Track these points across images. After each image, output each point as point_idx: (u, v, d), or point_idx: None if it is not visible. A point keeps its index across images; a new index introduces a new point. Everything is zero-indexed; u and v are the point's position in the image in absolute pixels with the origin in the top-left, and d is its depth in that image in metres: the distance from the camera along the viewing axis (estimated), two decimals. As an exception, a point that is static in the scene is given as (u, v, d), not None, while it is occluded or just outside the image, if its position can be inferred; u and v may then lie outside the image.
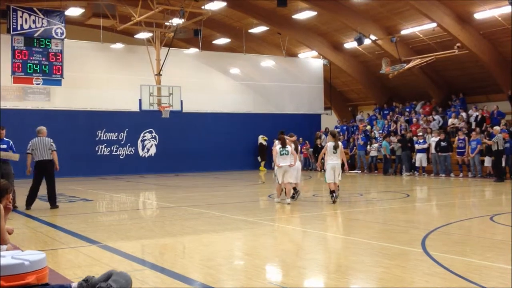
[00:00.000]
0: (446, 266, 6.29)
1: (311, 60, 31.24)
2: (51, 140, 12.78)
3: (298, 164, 13.85)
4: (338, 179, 13.17)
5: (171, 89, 24.11)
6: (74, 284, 3.28)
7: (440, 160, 22.32)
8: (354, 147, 26.96)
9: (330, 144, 13.29)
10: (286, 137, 13.43)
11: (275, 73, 29.90)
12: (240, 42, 28.94)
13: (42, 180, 12.72)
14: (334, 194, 13.09)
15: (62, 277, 5.79)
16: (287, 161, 13.11)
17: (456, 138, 22.30)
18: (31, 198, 12.69)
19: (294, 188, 13.79)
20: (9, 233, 5.63)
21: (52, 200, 12.74)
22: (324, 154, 13.48)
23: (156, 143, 26.90)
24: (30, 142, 12.73)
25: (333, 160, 13.14)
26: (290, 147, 13.22)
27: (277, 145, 13.41)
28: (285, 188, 13.51)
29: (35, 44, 22.77)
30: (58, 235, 9.02)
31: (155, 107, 23.93)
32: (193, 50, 28.77)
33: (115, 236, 9.01)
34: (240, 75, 29.60)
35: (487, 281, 5.62)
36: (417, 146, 23.17)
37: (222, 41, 30.97)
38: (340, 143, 13.70)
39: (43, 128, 12.87)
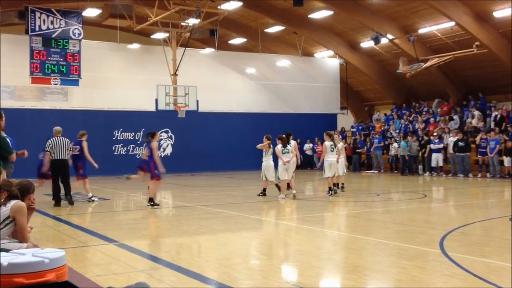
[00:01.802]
0: (465, 267, 6.22)
1: (327, 60, 31.14)
2: (68, 141, 13.21)
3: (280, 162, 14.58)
4: (342, 174, 14.46)
5: (187, 89, 24.17)
6: None
7: (458, 160, 22.11)
8: (371, 147, 26.80)
9: (327, 143, 14.73)
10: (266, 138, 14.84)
11: (291, 73, 29.85)
12: (256, 42, 28.95)
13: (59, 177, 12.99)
14: (331, 189, 14.66)
15: (80, 276, 5.83)
16: (288, 158, 14.11)
17: (479, 137, 22.02)
18: (58, 195, 13.02)
19: (276, 185, 14.76)
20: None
21: (69, 197, 13.07)
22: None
23: (172, 142, 27.01)
24: (48, 141, 13.05)
25: (330, 158, 14.66)
26: (290, 146, 14.27)
27: (278, 145, 14.38)
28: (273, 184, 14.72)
29: (53, 44, 22.98)
30: (76, 234, 9.09)
31: (171, 107, 24.01)
32: (209, 50, 28.83)
33: (132, 235, 9.06)
34: (256, 75, 29.60)
35: (507, 283, 5.55)
36: (432, 146, 22.98)
37: (238, 41, 31.00)
38: (337, 142, 15.30)
39: (60, 128, 13.28)
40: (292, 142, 14.64)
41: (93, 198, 14.16)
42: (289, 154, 14.13)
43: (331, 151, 14.71)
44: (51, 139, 13.03)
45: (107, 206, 13.85)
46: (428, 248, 7.50)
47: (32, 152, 13.53)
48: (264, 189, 14.92)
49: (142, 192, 15.88)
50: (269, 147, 14.73)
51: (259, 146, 14.65)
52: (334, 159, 14.75)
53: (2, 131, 8.38)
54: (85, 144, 14.17)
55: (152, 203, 12.85)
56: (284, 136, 14.51)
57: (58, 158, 12.87)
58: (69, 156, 13.44)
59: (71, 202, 13.03)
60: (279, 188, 14.51)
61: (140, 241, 8.37)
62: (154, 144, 12.99)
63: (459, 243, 8.07)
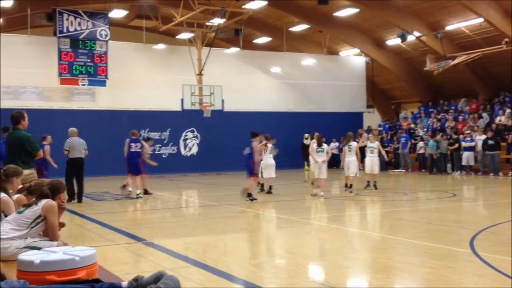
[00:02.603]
0: (495, 267, 6.11)
1: (353, 58, 30.93)
2: (84, 141, 13.94)
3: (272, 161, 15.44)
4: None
5: (212, 89, 24.28)
6: (124, 283, 3.32)
7: (488, 158, 21.72)
8: (398, 145, 26.53)
9: (313, 146, 14.94)
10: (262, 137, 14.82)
11: (316, 72, 29.73)
12: (281, 41, 28.90)
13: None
14: (347, 185, 15.45)
15: (109, 273, 5.89)
16: (321, 158, 14.34)
17: (511, 136, 21.59)
18: (72, 191, 13.61)
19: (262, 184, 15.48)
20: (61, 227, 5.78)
21: (81, 196, 13.70)
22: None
23: (198, 142, 27.14)
24: (67, 141, 13.81)
25: (347, 157, 15.43)
26: (326, 146, 14.78)
27: (313, 144, 14.78)
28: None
29: (80, 46, 23.31)
30: (104, 232, 9.19)
31: (197, 107, 24.14)
32: (234, 50, 28.88)
33: (160, 234, 9.13)
34: (281, 74, 29.55)
35: (540, 283, 5.44)
36: (463, 144, 22.59)
37: (262, 40, 30.99)
38: (373, 141, 16.60)
39: (75, 129, 14.16)
40: (325, 145, 15.05)
41: (140, 195, 14.68)
42: (323, 154, 14.37)
43: (348, 151, 15.47)
44: (69, 139, 13.79)
45: (135, 205, 13.98)
46: (458, 248, 7.39)
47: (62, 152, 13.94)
48: (261, 185, 15.73)
49: (168, 191, 15.99)
50: (266, 146, 15.20)
51: (258, 147, 14.50)
52: (351, 159, 15.35)
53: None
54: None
55: (250, 197, 13.37)
56: (319, 135, 14.94)
57: (74, 157, 13.57)
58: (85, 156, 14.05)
59: (81, 200, 13.65)
60: (269, 187, 15.18)
61: (167, 240, 8.42)
62: (256, 144, 13.66)
63: (489, 242, 7.93)
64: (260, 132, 14.28)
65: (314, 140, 14.72)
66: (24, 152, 7.91)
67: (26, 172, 6.25)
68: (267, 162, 15.32)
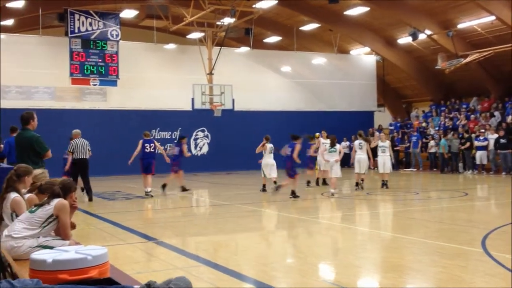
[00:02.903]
0: (508, 266, 6.07)
1: (364, 57, 30.82)
2: (87, 142, 14.30)
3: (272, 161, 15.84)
4: (335, 175, 14.59)
5: (223, 88, 24.29)
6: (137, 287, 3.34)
7: (499, 157, 21.55)
8: (409, 144, 26.41)
9: (356, 142, 16.28)
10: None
11: (326, 71, 29.66)
12: (291, 40, 28.86)
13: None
14: (358, 184, 15.69)
15: (121, 272, 5.93)
16: (334, 157, 14.65)
17: None
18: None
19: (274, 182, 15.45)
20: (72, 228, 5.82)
21: (89, 193, 14.09)
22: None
23: (208, 141, 27.17)
24: (71, 142, 14.12)
25: (358, 155, 15.87)
26: (338, 145, 14.98)
27: (326, 144, 15.54)
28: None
29: (91, 46, 23.42)
30: (116, 231, 9.23)
31: (207, 106, 24.16)
32: (244, 49, 28.89)
33: (171, 233, 9.17)
34: (291, 73, 29.51)
35: (553, 283, 5.39)
36: (476, 143, 22.42)
37: (273, 39, 30.96)
38: (383, 140, 16.85)
39: (79, 131, 14.59)
40: (338, 145, 15.26)
41: (151, 193, 14.98)
42: (336, 153, 14.69)
43: (359, 148, 15.95)
44: (73, 140, 14.12)
45: (146, 204, 14.03)
46: (470, 247, 7.35)
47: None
48: (264, 185, 16.03)
49: (179, 191, 16.03)
50: (265, 146, 15.93)
51: (258, 148, 15.68)
52: (362, 156, 15.84)
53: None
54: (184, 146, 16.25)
55: (294, 195, 13.85)
56: (334, 135, 15.33)
57: (79, 157, 13.95)
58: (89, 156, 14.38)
59: (91, 197, 14.04)
60: (277, 185, 14.85)
61: (178, 239, 8.45)
62: (298, 146, 14.29)
63: (501, 242, 7.87)
64: (300, 136, 14.89)
65: (321, 140, 15.70)
66: (33, 152, 7.98)
67: (37, 171, 6.30)
68: (267, 161, 15.81)
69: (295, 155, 14.13)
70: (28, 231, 5.01)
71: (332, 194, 14.24)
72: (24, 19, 25.54)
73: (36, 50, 23.52)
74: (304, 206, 13.20)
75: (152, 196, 14.84)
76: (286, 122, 27.52)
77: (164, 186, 15.68)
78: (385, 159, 16.44)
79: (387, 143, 16.92)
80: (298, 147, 14.23)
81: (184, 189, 15.92)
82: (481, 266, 6.28)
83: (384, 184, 16.29)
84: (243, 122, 27.02)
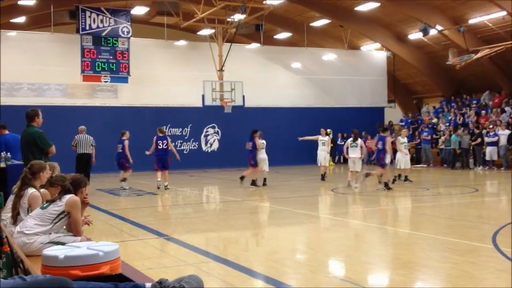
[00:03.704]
0: (518, 263, 6.06)
1: (374, 53, 30.69)
2: (92, 138, 15.42)
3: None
4: (357, 169, 15.59)
5: (233, 84, 24.30)
6: (148, 285, 3.37)
7: (510, 153, 21.40)
8: (419, 140, 26.29)
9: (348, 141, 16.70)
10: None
11: (337, 67, 29.57)
12: (302, 36, 28.81)
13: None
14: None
15: (132, 268, 5.98)
16: (356, 153, 15.46)
17: None
18: None
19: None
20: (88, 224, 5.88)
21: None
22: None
23: (218, 138, 27.21)
24: (75, 137, 15.30)
25: (262, 154, 16.48)
26: (360, 140, 15.78)
27: (324, 141, 17.66)
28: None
29: (103, 43, 23.51)
30: (127, 228, 9.30)
31: (218, 103, 24.19)
32: (254, 45, 28.87)
33: (181, 229, 9.22)
34: (302, 69, 29.46)
35: None
36: (487, 139, 22.30)
37: (283, 35, 30.92)
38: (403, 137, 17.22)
39: (84, 127, 15.66)
40: (359, 140, 16.02)
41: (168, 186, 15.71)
42: (357, 148, 15.48)
43: (353, 147, 16.30)
44: (77, 135, 15.28)
45: (156, 200, 14.11)
46: (481, 243, 7.33)
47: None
48: (253, 180, 16.45)
49: (190, 187, 16.11)
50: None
51: (257, 144, 16.28)
52: (353, 155, 15.96)
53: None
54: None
55: (386, 187, 14.57)
56: (356, 130, 16.31)
57: (82, 152, 15.09)
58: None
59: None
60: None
61: (189, 235, 8.50)
62: (389, 139, 15.34)
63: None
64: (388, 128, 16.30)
65: (326, 137, 17.79)
66: (36, 148, 8.05)
67: (51, 163, 6.37)
68: (261, 156, 16.48)
69: (387, 147, 15.01)
70: (40, 227, 5.05)
71: (355, 188, 15.04)
72: (35, 16, 25.70)
73: (48, 47, 23.65)
74: (313, 203, 13.20)
75: (168, 189, 15.54)
76: (296, 119, 27.52)
77: (242, 178, 16.50)
78: (405, 156, 16.83)
79: (406, 139, 17.52)
80: (388, 139, 15.18)
81: (253, 183, 16.18)
82: (491, 262, 6.26)
83: (407, 179, 16.84)
84: (253, 119, 26.99)
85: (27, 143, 8.15)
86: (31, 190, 5.59)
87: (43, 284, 2.86)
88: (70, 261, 3.62)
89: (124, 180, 16.11)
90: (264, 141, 16.82)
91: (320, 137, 18.36)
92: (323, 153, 18.08)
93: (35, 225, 5.05)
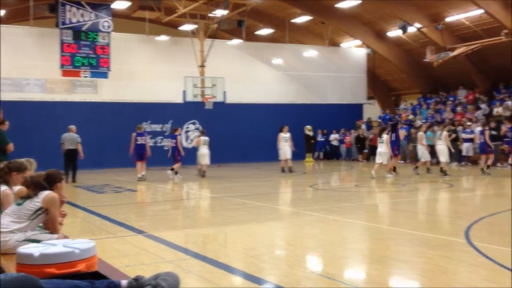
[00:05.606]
0: (491, 257, 6.20)
1: (354, 50, 30.90)
2: (78, 136, 17.44)
3: None
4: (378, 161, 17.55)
5: (215, 81, 24.27)
6: (124, 282, 3.37)
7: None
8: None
9: (202, 138, 19.62)
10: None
11: (318, 63, 29.71)
12: (283, 33, 28.88)
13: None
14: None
15: (109, 266, 5.98)
16: (382, 148, 17.23)
17: (504, 127, 21.64)
18: (66, 173, 16.63)
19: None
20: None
21: (74, 177, 17.29)
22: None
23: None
24: (62, 136, 17.39)
25: (379, 148, 17.67)
26: (385, 136, 17.36)
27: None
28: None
29: (83, 37, 23.28)
30: (105, 225, 9.28)
31: (199, 99, 24.15)
32: (236, 41, 28.86)
33: (160, 226, 9.23)
34: (283, 66, 29.53)
35: (533, 274, 5.52)
36: (463, 136, 22.63)
37: (265, 31, 30.95)
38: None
39: (73, 127, 17.65)
40: (385, 136, 17.55)
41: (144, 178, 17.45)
42: (383, 144, 17.20)
43: (380, 142, 17.76)
44: (65, 134, 17.35)
45: (136, 197, 14.08)
46: (454, 238, 7.49)
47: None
48: (203, 172, 19.16)
49: (170, 184, 16.08)
50: (200, 139, 19.46)
51: (196, 142, 19.15)
52: (381, 150, 17.41)
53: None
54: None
55: (391, 174, 17.27)
56: (383, 126, 19.06)
57: (68, 148, 17.18)
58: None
59: (75, 180, 17.17)
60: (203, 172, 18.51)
61: (168, 232, 8.51)
62: (401, 131, 19.17)
63: (485, 233, 8.02)
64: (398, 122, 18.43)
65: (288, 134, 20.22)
66: None
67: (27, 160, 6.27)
68: (202, 152, 19.18)
69: (401, 137, 18.67)
70: (16, 224, 4.97)
71: (387, 177, 16.80)
72: (14, 10, 25.37)
73: (27, 42, 23.35)
74: (293, 199, 13.29)
75: (144, 180, 17.14)
76: (277, 115, 27.59)
77: (173, 171, 18.01)
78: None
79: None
80: (401, 132, 18.94)
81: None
82: (464, 256, 6.41)
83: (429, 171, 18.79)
84: (234, 115, 27.04)
85: None
86: (3, 188, 5.50)
87: (8, 283, 2.85)
88: (45, 259, 3.59)
89: (173, 169, 18.00)
90: (207, 138, 19.31)
91: (282, 134, 20.49)
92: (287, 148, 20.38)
93: (11, 222, 4.98)
